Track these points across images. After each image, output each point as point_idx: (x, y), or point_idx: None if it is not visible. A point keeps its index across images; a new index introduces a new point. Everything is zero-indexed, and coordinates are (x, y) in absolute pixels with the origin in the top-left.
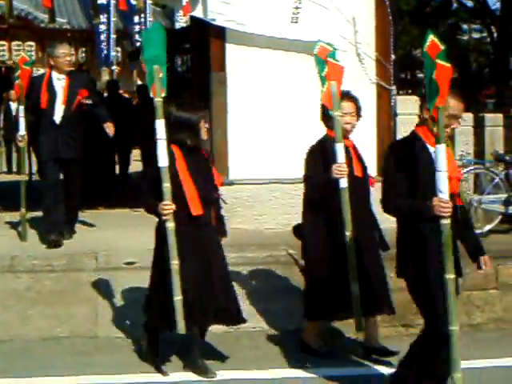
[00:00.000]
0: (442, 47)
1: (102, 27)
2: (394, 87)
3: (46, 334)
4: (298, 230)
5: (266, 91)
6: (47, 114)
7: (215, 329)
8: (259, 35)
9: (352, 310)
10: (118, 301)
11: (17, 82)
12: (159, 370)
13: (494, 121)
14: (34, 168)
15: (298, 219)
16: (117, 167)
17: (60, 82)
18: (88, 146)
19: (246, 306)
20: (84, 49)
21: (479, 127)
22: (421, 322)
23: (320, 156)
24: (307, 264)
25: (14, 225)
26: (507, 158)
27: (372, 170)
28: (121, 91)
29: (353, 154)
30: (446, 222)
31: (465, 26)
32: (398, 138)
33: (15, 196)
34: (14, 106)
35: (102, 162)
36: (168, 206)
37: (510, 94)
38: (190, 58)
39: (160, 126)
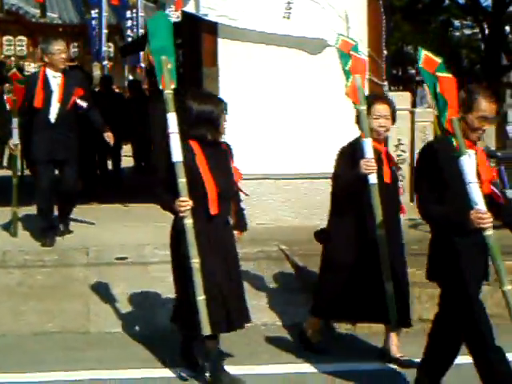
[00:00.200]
0: (439, 60)
1: (93, 22)
2: (386, 83)
3: (38, 330)
4: (320, 235)
5: (258, 86)
6: (42, 112)
7: None
8: (251, 30)
9: (370, 316)
10: (110, 296)
11: (9, 95)
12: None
13: None
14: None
15: (288, 215)
16: (109, 162)
17: (56, 80)
18: (80, 142)
19: None
20: (76, 44)
21: None
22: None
23: (350, 157)
24: (328, 263)
25: (5, 220)
26: (499, 154)
27: None
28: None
29: (384, 159)
30: (490, 233)
31: (456, 23)
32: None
33: (5, 191)
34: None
35: (94, 157)
36: (185, 202)
37: (502, 91)
38: (181, 53)
39: (172, 119)
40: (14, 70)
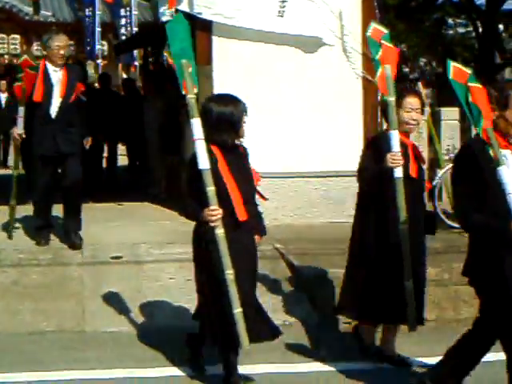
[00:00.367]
0: (469, 71)
1: (87, 20)
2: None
3: (33, 329)
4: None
5: (253, 85)
6: (42, 107)
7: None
8: (246, 29)
9: (392, 318)
10: (105, 295)
11: (19, 83)
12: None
13: None
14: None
15: (283, 214)
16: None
17: (56, 74)
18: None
19: None
20: (71, 42)
21: (466, 121)
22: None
23: (375, 151)
24: (353, 259)
25: (1, 218)
26: None
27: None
28: None
29: (410, 153)
30: None
31: (450, 21)
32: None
33: (1, 189)
34: (3, 96)
35: (89, 155)
36: (216, 211)
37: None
38: None
39: (197, 124)
40: (25, 56)
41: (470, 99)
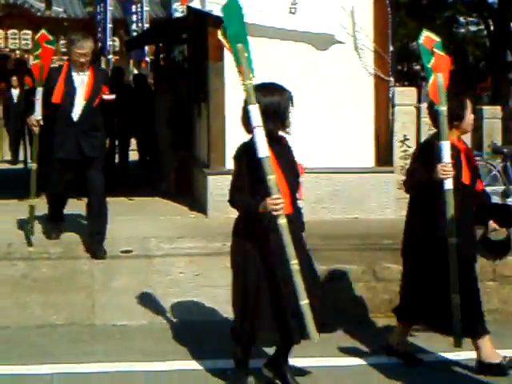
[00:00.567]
0: (438, 39)
1: (98, 16)
2: (391, 78)
3: (43, 322)
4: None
5: (264, 81)
6: (62, 109)
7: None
8: (258, 25)
9: (440, 326)
10: (115, 289)
11: (36, 61)
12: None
13: (492, 113)
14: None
15: None
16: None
17: (80, 77)
18: None
19: None
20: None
21: (477, 120)
22: None
23: (427, 155)
24: (404, 261)
25: (10, 212)
26: (505, 150)
27: (370, 161)
28: None
29: (463, 158)
30: None
31: (462, 19)
32: None
33: (7, 185)
34: (15, 92)
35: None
36: (279, 199)
37: (507, 87)
38: (187, 47)
39: (254, 112)
40: (43, 31)
41: (431, 64)
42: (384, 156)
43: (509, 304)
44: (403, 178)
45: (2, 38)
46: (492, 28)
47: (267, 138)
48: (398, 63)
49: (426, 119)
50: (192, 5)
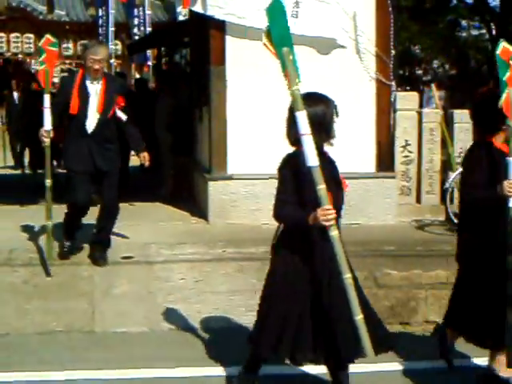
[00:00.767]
0: None
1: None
2: (393, 83)
3: (43, 329)
4: None
5: (266, 85)
6: (78, 120)
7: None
8: (260, 29)
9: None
10: (115, 295)
11: (42, 67)
12: None
13: None
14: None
15: None
16: None
17: (94, 86)
18: None
19: (242, 302)
20: (84, 41)
21: None
22: (418, 320)
23: (488, 166)
24: (459, 273)
25: (12, 218)
26: None
27: (371, 166)
28: None
29: None
30: None
31: (464, 23)
32: None
33: (11, 190)
34: (16, 95)
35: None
36: (330, 210)
37: None
38: (189, 51)
39: (302, 118)
40: (47, 35)
41: (506, 77)
42: (385, 161)
43: None
44: (405, 183)
45: (5, 41)
46: (494, 32)
47: None
48: (400, 67)
49: (427, 124)
50: (194, 9)
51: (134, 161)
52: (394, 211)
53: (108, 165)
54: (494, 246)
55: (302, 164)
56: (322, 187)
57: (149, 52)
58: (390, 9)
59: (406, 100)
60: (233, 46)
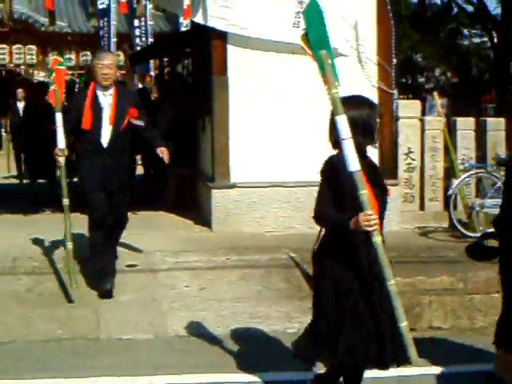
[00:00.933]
0: None
1: (101, 31)
2: (395, 91)
3: (47, 336)
4: (474, 251)
5: (268, 95)
6: (92, 136)
7: (212, 331)
8: (261, 39)
9: None
10: (120, 303)
11: (52, 87)
12: None
13: (496, 125)
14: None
15: (298, 222)
16: None
17: (106, 99)
18: None
19: (246, 309)
20: (88, 52)
21: (481, 132)
22: (423, 326)
23: None
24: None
25: (15, 227)
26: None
27: None
28: None
29: None
30: None
31: (465, 31)
32: None
33: (16, 198)
34: (20, 105)
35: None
36: (373, 215)
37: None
38: (191, 61)
39: (343, 123)
40: (55, 56)
41: None
42: (388, 169)
43: None
44: (408, 190)
45: (7, 52)
46: (496, 40)
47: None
48: (402, 76)
49: (429, 132)
50: (195, 20)
51: (138, 169)
52: (398, 218)
53: (122, 182)
54: None
55: (343, 167)
56: (364, 192)
57: (152, 62)
58: (391, 18)
59: (409, 108)
60: (235, 55)
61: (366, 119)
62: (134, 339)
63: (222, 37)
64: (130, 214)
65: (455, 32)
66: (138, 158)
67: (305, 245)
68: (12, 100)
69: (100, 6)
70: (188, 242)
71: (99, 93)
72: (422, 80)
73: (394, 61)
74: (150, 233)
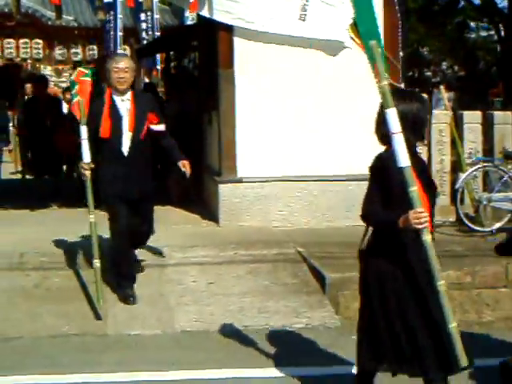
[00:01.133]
0: None
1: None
2: (402, 85)
3: (55, 332)
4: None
5: (274, 89)
6: (112, 144)
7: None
8: (268, 33)
9: None
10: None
11: (76, 99)
12: None
13: (503, 118)
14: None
15: (305, 216)
16: None
17: (124, 104)
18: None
19: (254, 304)
20: (94, 46)
21: (488, 125)
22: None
23: None
24: None
25: (22, 222)
26: None
27: None
28: None
29: None
30: None
31: (472, 24)
32: None
33: (23, 194)
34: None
35: None
36: (423, 213)
37: None
38: (197, 55)
39: (393, 116)
40: (79, 68)
41: None
42: None
43: None
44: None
45: (14, 47)
46: (503, 33)
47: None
48: (409, 69)
49: (436, 125)
50: (201, 13)
51: None
52: None
53: (144, 190)
54: None
55: (392, 163)
56: (414, 189)
57: (158, 56)
58: (398, 10)
59: None
60: (241, 48)
61: (416, 113)
62: (141, 334)
63: (228, 30)
64: None
65: (462, 25)
66: None
67: (312, 239)
68: (20, 95)
69: (106, 0)
70: (195, 236)
71: (116, 98)
72: (428, 74)
73: (401, 54)
74: (157, 228)
